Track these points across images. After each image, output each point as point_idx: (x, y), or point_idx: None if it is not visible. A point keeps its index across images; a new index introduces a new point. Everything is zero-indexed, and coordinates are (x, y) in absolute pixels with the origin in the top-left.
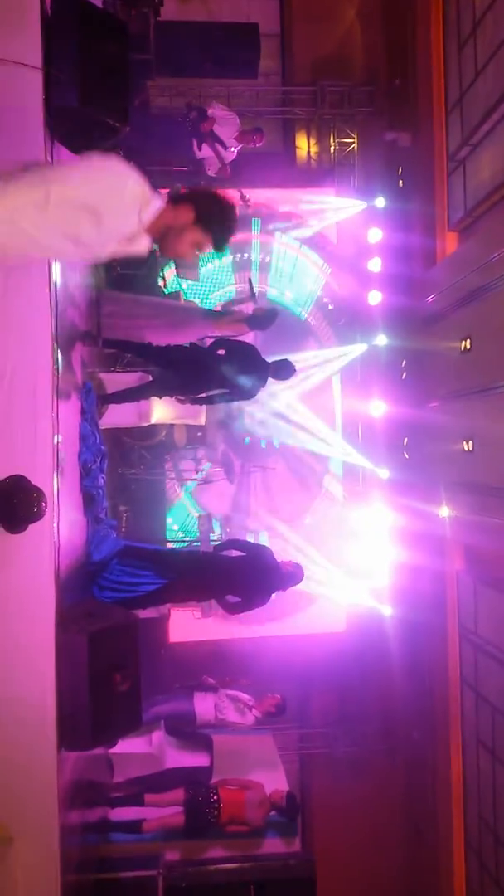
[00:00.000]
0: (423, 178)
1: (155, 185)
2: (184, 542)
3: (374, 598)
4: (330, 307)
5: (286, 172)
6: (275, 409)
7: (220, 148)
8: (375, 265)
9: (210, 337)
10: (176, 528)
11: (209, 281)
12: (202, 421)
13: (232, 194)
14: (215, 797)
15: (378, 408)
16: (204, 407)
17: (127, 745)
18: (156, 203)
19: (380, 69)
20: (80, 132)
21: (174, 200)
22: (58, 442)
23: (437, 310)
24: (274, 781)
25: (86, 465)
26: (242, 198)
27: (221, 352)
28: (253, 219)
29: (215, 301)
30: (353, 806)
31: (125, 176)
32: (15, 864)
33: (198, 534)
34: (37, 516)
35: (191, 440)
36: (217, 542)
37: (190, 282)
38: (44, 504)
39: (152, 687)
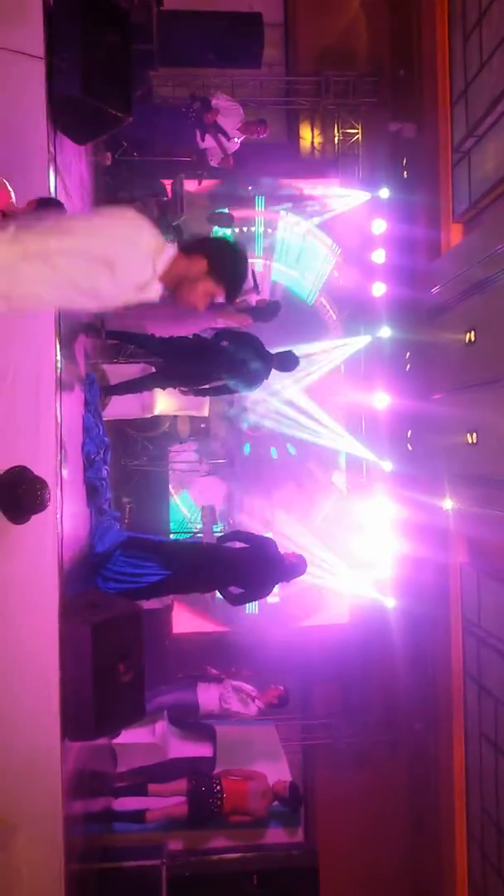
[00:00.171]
0: (427, 170)
1: (158, 176)
2: (187, 533)
3: (378, 590)
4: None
5: (290, 163)
6: (279, 401)
7: (223, 139)
8: (379, 256)
9: (213, 328)
10: (184, 516)
11: None
12: (205, 412)
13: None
14: (218, 787)
15: (382, 400)
16: (207, 398)
17: (130, 736)
18: (169, 253)
19: (384, 59)
20: (82, 122)
21: (187, 250)
22: (61, 433)
23: (442, 302)
24: (277, 772)
25: (89, 457)
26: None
27: (225, 343)
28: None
29: None
30: (355, 796)
31: (139, 228)
32: (19, 853)
33: (201, 525)
34: (40, 507)
35: (194, 431)
36: (220, 534)
37: None
38: (47, 494)
39: (156, 677)
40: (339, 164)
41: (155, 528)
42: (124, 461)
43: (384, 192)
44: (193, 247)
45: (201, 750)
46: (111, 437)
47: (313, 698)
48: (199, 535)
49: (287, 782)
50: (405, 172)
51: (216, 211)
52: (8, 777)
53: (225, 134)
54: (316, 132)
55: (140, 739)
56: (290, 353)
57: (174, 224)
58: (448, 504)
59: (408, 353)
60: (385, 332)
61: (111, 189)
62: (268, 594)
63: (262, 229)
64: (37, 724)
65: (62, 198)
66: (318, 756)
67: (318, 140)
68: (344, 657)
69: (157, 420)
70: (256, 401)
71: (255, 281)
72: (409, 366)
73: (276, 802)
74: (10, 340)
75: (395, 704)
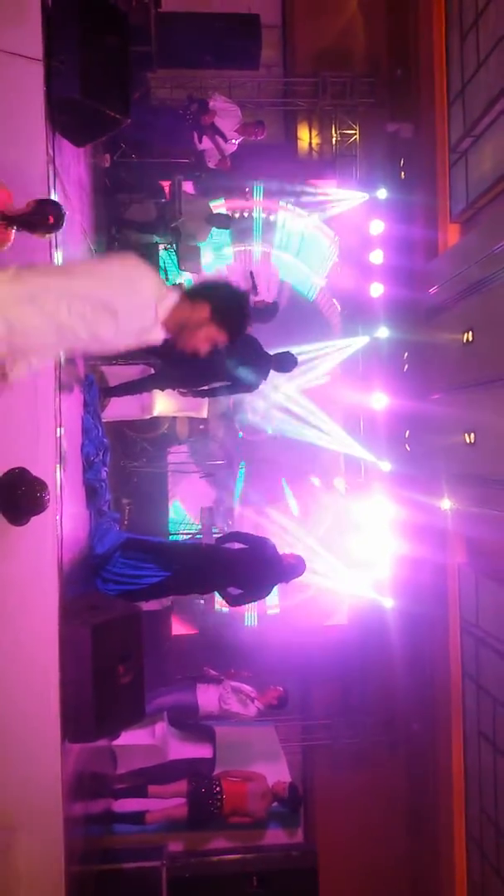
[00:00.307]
0: (424, 170)
1: (156, 177)
2: (186, 534)
3: (376, 591)
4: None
5: (288, 164)
6: (277, 401)
7: (220, 140)
8: (377, 257)
9: None
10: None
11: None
12: (204, 413)
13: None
14: (218, 788)
15: (380, 400)
16: (206, 399)
17: (130, 737)
18: (172, 298)
19: (381, 60)
20: (81, 124)
21: (190, 296)
22: (60, 435)
23: (439, 302)
24: (276, 773)
25: (88, 458)
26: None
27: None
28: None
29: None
30: (355, 797)
31: (142, 275)
32: (19, 855)
33: (200, 526)
34: (40, 508)
35: (193, 433)
36: (219, 535)
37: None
38: (47, 496)
39: (155, 679)
40: (336, 164)
41: (154, 530)
42: (123, 462)
43: (382, 193)
44: (196, 293)
45: (201, 751)
46: (110, 438)
47: (312, 699)
48: (198, 536)
49: (286, 783)
50: (402, 173)
51: (215, 212)
52: (8, 779)
53: (222, 135)
54: (313, 133)
55: (140, 741)
56: (288, 353)
57: (172, 225)
58: (446, 504)
59: (406, 354)
60: (383, 332)
61: (110, 191)
62: (267, 595)
63: (262, 217)
64: (37, 725)
65: (61, 199)
66: (318, 757)
67: (315, 141)
68: (343, 658)
69: (156, 421)
70: (254, 402)
71: (253, 282)
72: (406, 366)
73: (275, 803)
74: None
75: (393, 705)
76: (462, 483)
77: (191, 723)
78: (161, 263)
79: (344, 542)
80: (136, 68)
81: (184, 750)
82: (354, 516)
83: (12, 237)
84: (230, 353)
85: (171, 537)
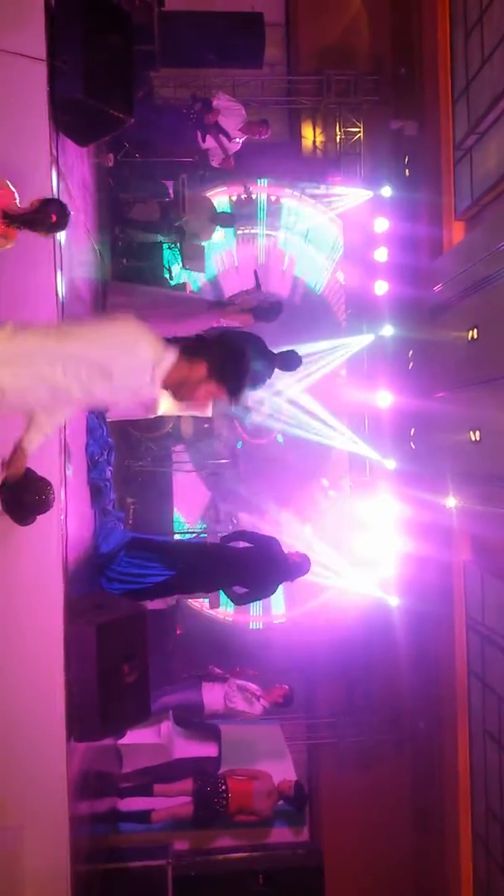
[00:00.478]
0: (429, 167)
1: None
2: (191, 533)
3: (382, 589)
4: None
5: (292, 162)
6: (282, 400)
7: (224, 139)
8: (382, 255)
9: (216, 328)
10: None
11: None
12: (209, 412)
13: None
14: (223, 787)
15: (385, 398)
16: None
17: (136, 736)
18: (169, 359)
19: (385, 57)
20: (84, 124)
21: (187, 355)
22: (65, 434)
23: (444, 299)
24: (282, 771)
25: (93, 458)
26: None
27: None
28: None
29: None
30: (360, 795)
31: (139, 339)
32: (25, 854)
33: (205, 525)
34: (45, 508)
35: (197, 432)
36: (224, 534)
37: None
38: (52, 495)
39: (160, 677)
40: (341, 162)
41: (159, 529)
42: (128, 462)
43: (386, 191)
44: (194, 351)
45: (206, 750)
46: (115, 437)
47: (318, 697)
48: (203, 535)
49: (292, 781)
50: (407, 170)
51: (219, 211)
52: (14, 778)
53: (226, 134)
54: (318, 131)
55: (145, 740)
56: (292, 352)
57: (176, 224)
58: (451, 502)
59: (410, 352)
60: (388, 330)
61: (113, 190)
62: (272, 593)
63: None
64: (42, 724)
65: (65, 199)
66: (323, 755)
67: (319, 139)
68: (348, 656)
69: (160, 420)
70: (259, 401)
71: (256, 280)
72: (411, 364)
73: (281, 802)
74: None
75: (399, 703)
76: (467, 481)
77: (196, 721)
78: (165, 262)
79: (349, 540)
80: (140, 67)
81: (189, 748)
82: (360, 514)
83: (16, 236)
84: None
85: (175, 536)
